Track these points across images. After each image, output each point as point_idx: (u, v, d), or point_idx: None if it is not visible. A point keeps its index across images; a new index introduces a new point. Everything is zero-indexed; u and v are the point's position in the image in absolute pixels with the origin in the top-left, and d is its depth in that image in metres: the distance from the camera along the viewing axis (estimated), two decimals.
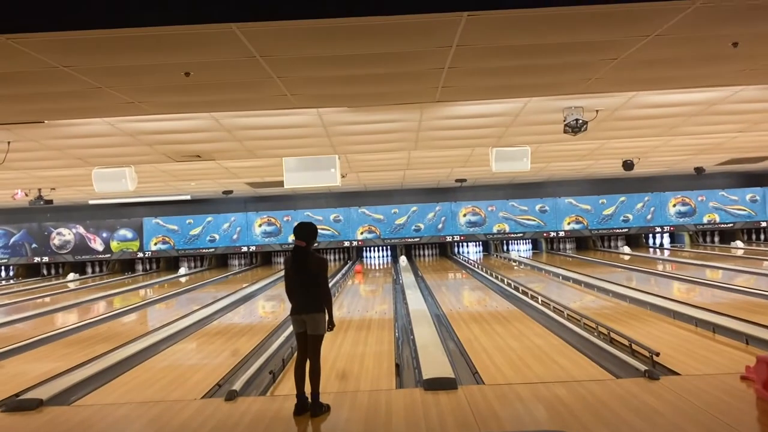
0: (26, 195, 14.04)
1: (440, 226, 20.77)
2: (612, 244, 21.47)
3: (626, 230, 20.66)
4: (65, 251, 20.92)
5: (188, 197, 18.82)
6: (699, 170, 16.85)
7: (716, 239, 21.16)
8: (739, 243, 19.59)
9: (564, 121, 7.83)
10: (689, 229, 20.66)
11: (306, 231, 4.77)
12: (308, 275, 4.72)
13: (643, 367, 5.42)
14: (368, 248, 21.78)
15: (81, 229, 20.86)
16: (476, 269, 16.30)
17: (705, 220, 20.39)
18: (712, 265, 14.19)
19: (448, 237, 20.88)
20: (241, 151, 9.72)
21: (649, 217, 20.48)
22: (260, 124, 8.01)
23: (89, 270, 21.95)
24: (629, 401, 4.65)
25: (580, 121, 7.72)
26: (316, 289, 4.71)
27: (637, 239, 21.30)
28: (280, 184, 11.44)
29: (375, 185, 18.75)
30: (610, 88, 6.64)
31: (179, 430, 4.47)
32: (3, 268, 21.86)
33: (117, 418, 4.94)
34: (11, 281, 20.63)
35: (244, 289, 14.16)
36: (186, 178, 13.90)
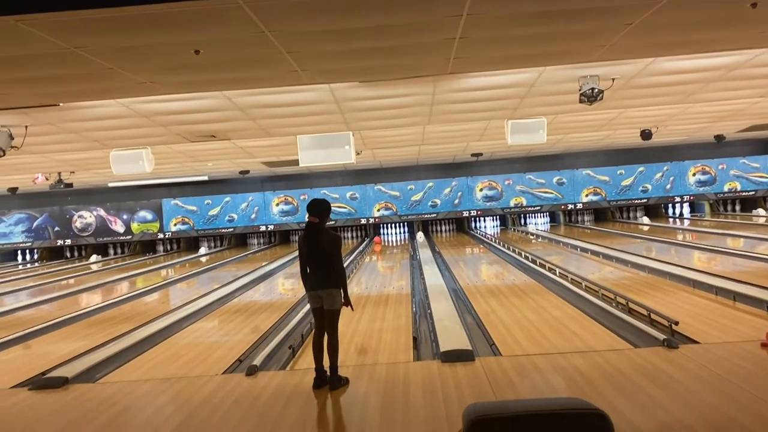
0: (47, 179, 14.22)
1: (457, 201, 20.71)
2: (631, 215, 21.27)
3: (645, 201, 20.43)
4: (87, 234, 21.23)
5: (206, 178, 18.93)
6: (719, 138, 16.55)
7: (737, 207, 20.85)
8: (761, 211, 19.29)
9: (580, 90, 7.72)
10: (709, 198, 20.37)
11: (319, 207, 4.77)
12: (322, 252, 4.73)
13: (661, 336, 5.40)
14: (385, 225, 21.82)
15: (102, 212, 21.13)
16: (493, 243, 16.27)
17: (726, 188, 20.08)
18: (733, 233, 14.02)
19: (464, 212, 20.82)
20: (256, 129, 9.73)
21: (668, 186, 20.22)
22: (273, 102, 8.00)
23: (111, 252, 22.27)
24: (648, 370, 4.64)
25: (596, 90, 7.60)
26: (330, 266, 4.73)
27: (656, 209, 21.06)
28: (296, 162, 11.44)
29: (390, 162, 18.71)
30: (625, 54, 6.52)
31: (202, 405, 4.56)
32: (27, 251, 22.29)
33: (141, 394, 5.05)
34: (36, 264, 21.02)
35: (263, 267, 14.29)
36: (202, 158, 13.98)
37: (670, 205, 21.17)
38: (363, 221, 20.86)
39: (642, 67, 7.50)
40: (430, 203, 20.73)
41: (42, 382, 5.36)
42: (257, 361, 5.49)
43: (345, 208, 20.55)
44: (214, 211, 21.01)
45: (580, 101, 7.76)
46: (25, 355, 7.04)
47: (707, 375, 4.44)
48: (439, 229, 22.02)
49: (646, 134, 13.49)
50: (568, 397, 2.38)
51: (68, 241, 21.35)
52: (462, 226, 21.86)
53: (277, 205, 20.90)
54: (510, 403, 2.21)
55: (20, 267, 20.41)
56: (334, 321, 4.75)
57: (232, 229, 21.17)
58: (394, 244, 19.20)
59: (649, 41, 5.84)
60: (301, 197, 20.63)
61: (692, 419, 3.66)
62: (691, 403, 3.95)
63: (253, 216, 20.97)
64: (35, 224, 21.23)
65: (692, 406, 3.89)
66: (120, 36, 4.53)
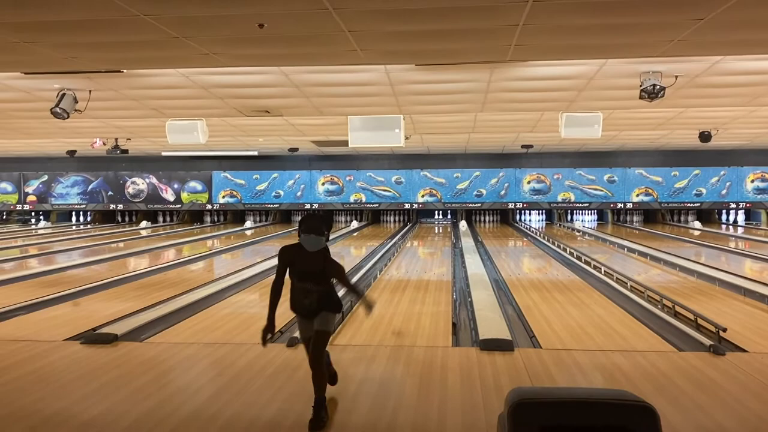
0: (104, 144, 14.66)
1: (503, 192, 20.49)
2: (682, 218, 20.70)
3: (698, 205, 19.83)
4: (139, 200, 21.85)
5: (255, 153, 19.19)
6: None
7: None
8: None
9: (640, 86, 7.52)
10: (767, 207, 19.65)
11: (321, 221, 3.98)
12: (319, 271, 3.95)
13: (708, 342, 5.27)
14: (428, 211, 21.80)
15: (154, 180, 21.69)
16: (538, 237, 16.08)
17: None
18: None
19: (510, 204, 20.59)
20: (309, 108, 9.80)
21: (723, 192, 19.58)
22: (328, 81, 8.05)
23: (160, 219, 22.90)
24: (692, 374, 4.55)
25: (658, 86, 7.39)
26: (330, 287, 3.96)
27: (709, 215, 20.45)
28: (345, 143, 11.50)
29: (438, 148, 18.62)
30: (692, 51, 6.30)
31: (243, 371, 4.68)
32: (81, 213, 23.10)
33: (186, 356, 5.21)
34: (89, 226, 21.77)
35: None
36: (254, 133, 14.17)
37: (724, 211, 20.52)
38: (407, 206, 20.87)
39: (708, 66, 7.26)
40: (475, 192, 20.58)
41: (93, 337, 5.58)
42: (297, 334, 5.57)
43: (389, 192, 20.58)
44: (261, 186, 21.33)
45: (640, 97, 7.57)
46: (77, 311, 7.31)
47: (754, 384, 4.33)
48: (482, 219, 21.87)
49: (705, 136, 13.08)
50: (612, 389, 2.36)
51: (120, 206, 22.01)
52: (506, 217, 21.65)
53: (323, 184, 21.07)
54: (555, 390, 2.21)
55: (74, 228, 21.18)
56: (323, 343, 3.84)
57: (277, 205, 21.48)
58: (437, 231, 19.16)
59: (719, 38, 5.64)
60: (347, 178, 20.74)
61: (736, 427, 3.57)
62: (735, 410, 3.86)
63: (299, 194, 21.21)
64: (90, 187, 21.95)
65: (737, 414, 3.80)
66: (188, 5, 4.62)
